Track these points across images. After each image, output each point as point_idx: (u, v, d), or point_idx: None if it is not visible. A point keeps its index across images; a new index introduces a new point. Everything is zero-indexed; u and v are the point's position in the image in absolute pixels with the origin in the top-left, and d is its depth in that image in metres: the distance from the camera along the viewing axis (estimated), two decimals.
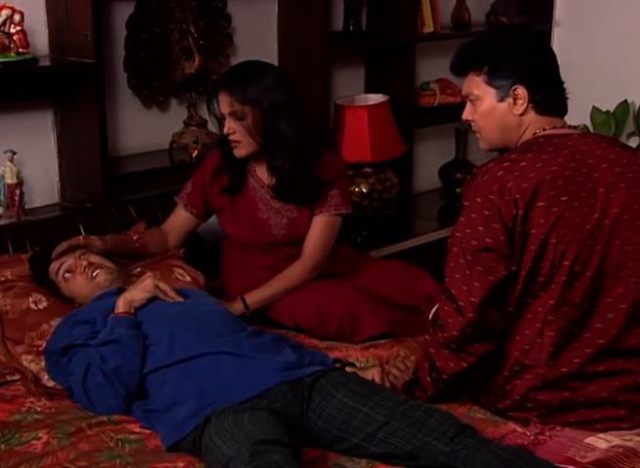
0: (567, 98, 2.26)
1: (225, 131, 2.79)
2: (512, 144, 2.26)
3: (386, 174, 3.87)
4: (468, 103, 2.29)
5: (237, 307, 2.79)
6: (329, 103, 3.75)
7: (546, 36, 2.31)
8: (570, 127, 2.25)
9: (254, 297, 2.83)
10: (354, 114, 3.70)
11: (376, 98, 3.84)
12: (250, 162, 2.91)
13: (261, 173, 2.91)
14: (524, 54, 2.20)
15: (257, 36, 3.68)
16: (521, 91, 2.19)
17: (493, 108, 2.23)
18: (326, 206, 2.90)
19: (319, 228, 2.91)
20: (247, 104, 2.74)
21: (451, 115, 4.30)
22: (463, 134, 4.39)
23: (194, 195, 2.96)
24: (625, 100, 4.34)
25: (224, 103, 2.77)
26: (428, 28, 4.14)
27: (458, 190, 4.38)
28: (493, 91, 2.22)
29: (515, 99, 2.20)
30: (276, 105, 2.75)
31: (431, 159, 4.49)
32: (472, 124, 2.31)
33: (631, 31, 4.38)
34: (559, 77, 2.25)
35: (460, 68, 2.29)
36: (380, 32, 4.03)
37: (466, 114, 2.30)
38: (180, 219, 2.99)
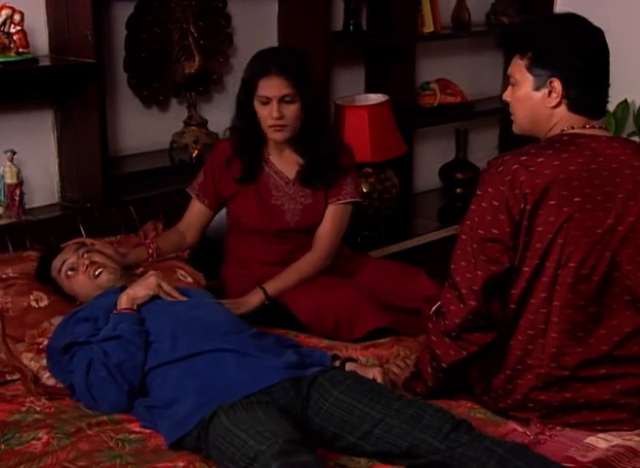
0: (607, 101, 2.22)
1: (276, 115, 2.79)
2: (541, 135, 2.24)
3: (386, 173, 3.87)
4: (510, 84, 2.27)
5: (258, 296, 2.81)
6: (329, 103, 3.75)
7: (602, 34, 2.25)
8: (601, 128, 2.22)
9: (273, 286, 2.84)
10: (354, 114, 3.70)
11: (376, 98, 3.84)
12: (265, 148, 2.92)
13: (276, 159, 2.94)
14: (569, 49, 2.15)
15: (257, 36, 3.68)
16: (557, 84, 2.16)
17: (528, 95, 2.21)
18: (342, 193, 2.94)
19: (334, 216, 2.94)
20: (297, 89, 2.79)
21: (451, 115, 4.31)
22: (464, 134, 4.39)
23: (206, 184, 2.97)
24: (625, 100, 4.34)
25: (277, 87, 2.78)
26: (428, 28, 4.14)
27: (458, 190, 4.40)
28: (531, 78, 2.19)
29: (550, 92, 2.18)
30: (314, 90, 2.84)
31: (431, 159, 4.49)
32: (509, 105, 2.29)
33: (631, 31, 4.38)
34: (604, 79, 2.21)
35: (508, 49, 2.26)
36: (380, 32, 4.03)
37: (506, 94, 2.28)
38: (194, 214, 3.00)
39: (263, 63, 2.82)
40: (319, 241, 2.94)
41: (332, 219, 2.94)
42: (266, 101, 2.79)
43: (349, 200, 2.96)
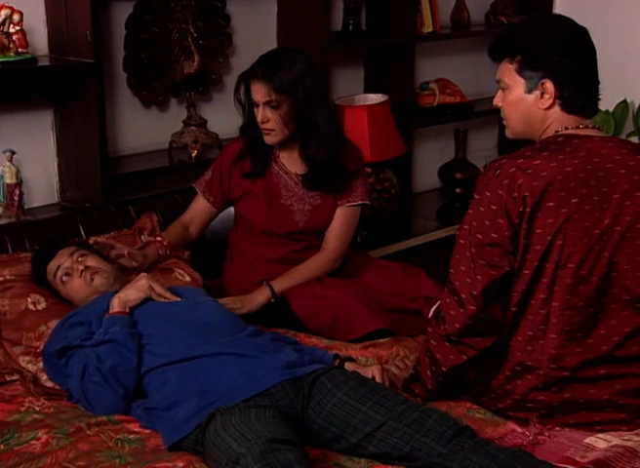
0: (598, 99, 2.22)
1: (260, 119, 2.80)
2: (535, 137, 2.24)
3: (386, 173, 3.87)
4: (500, 89, 2.26)
5: (265, 293, 2.82)
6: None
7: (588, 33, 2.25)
8: (594, 128, 2.22)
9: (280, 285, 2.85)
10: (354, 114, 3.70)
11: (375, 98, 3.85)
12: (274, 148, 2.92)
13: (285, 159, 2.94)
14: (559, 49, 2.15)
15: (256, 36, 3.68)
16: (549, 85, 2.15)
17: (520, 99, 2.20)
18: (352, 196, 2.95)
19: (344, 219, 2.95)
20: (283, 94, 2.76)
21: (450, 115, 4.31)
22: (463, 134, 4.39)
23: (213, 182, 2.97)
24: (625, 100, 4.34)
25: (260, 92, 2.78)
26: (428, 28, 4.14)
27: (457, 190, 4.40)
28: (522, 81, 2.18)
29: (542, 93, 2.17)
30: (310, 94, 2.79)
31: (431, 159, 4.49)
32: (500, 110, 2.28)
33: (630, 31, 4.39)
34: (594, 77, 2.20)
35: (496, 53, 2.26)
36: (379, 32, 4.03)
37: (496, 100, 2.27)
38: (198, 210, 3.00)
39: (254, 67, 2.82)
40: (329, 243, 2.94)
41: (341, 222, 2.95)
42: (257, 104, 2.81)
43: (359, 202, 2.97)
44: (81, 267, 2.56)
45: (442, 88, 4.28)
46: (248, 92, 2.83)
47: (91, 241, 2.77)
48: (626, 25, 4.39)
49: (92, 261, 2.59)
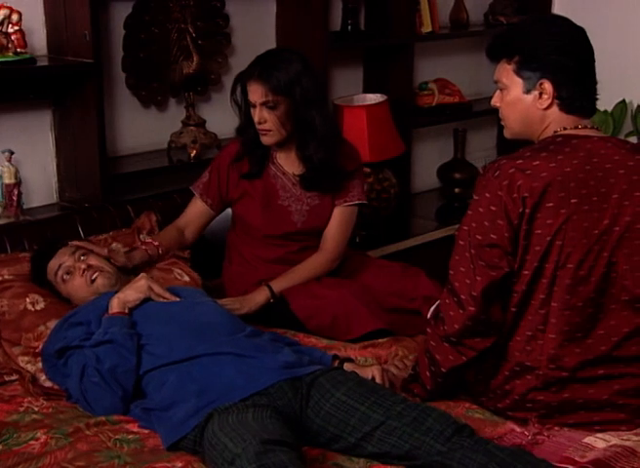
0: (596, 99, 2.22)
1: (257, 120, 2.80)
2: (534, 138, 2.24)
3: (385, 174, 3.87)
4: (497, 90, 2.26)
5: (264, 294, 2.82)
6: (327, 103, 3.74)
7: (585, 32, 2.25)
8: (593, 128, 2.21)
9: (279, 285, 2.85)
10: (353, 114, 3.70)
11: (374, 98, 3.85)
12: (271, 149, 2.92)
13: (283, 160, 2.94)
14: (557, 49, 2.15)
15: (255, 36, 3.68)
16: (547, 85, 2.15)
17: (518, 99, 2.20)
18: (349, 196, 2.95)
19: (342, 219, 2.95)
20: (280, 94, 2.76)
21: (449, 115, 4.31)
22: (462, 134, 4.39)
23: (210, 184, 2.97)
24: (623, 100, 4.34)
25: (257, 93, 2.78)
26: (427, 28, 4.14)
27: (456, 190, 4.40)
28: (520, 81, 2.18)
29: (541, 94, 2.17)
30: (307, 94, 2.78)
31: (430, 159, 4.49)
32: (499, 111, 2.28)
33: (630, 31, 4.39)
34: (592, 77, 2.20)
35: (494, 54, 2.25)
36: (378, 32, 4.03)
37: (494, 100, 2.27)
38: (195, 212, 3.00)
39: (251, 67, 2.82)
40: (327, 242, 2.94)
41: (339, 221, 2.95)
42: (253, 105, 2.81)
43: (356, 202, 2.97)
44: (83, 266, 2.56)
45: (441, 88, 4.29)
46: (244, 92, 2.83)
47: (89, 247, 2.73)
48: (626, 25, 4.39)
49: (93, 260, 2.60)
